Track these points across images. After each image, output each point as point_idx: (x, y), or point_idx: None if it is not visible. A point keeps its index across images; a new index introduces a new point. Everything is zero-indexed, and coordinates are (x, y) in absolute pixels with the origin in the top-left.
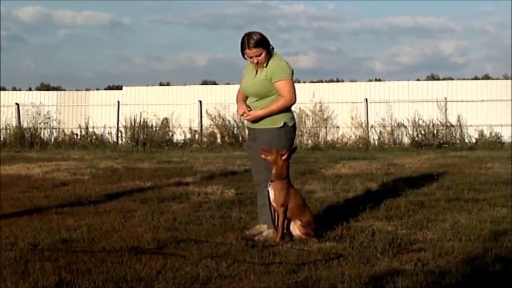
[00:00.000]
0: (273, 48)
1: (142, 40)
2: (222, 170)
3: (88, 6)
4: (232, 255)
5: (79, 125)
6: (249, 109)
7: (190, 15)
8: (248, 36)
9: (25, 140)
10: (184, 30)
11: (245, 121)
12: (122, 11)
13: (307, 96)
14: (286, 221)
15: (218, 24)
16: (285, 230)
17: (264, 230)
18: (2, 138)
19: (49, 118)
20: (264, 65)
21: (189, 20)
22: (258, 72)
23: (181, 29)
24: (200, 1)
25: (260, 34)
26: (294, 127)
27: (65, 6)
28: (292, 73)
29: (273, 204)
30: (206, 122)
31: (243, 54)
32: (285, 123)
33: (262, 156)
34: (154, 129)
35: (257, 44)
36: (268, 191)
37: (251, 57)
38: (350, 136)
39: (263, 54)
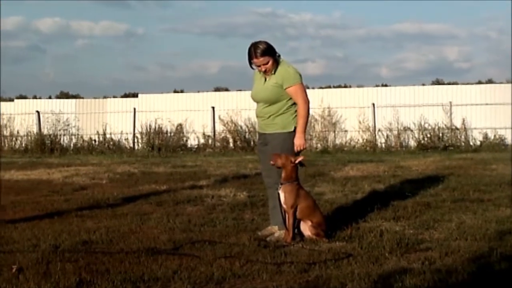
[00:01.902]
0: (279, 56)
1: (155, 49)
2: (235, 173)
3: (104, 17)
4: (245, 255)
5: (97, 132)
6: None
7: (201, 24)
8: (254, 46)
9: (45, 146)
10: (195, 38)
11: (257, 126)
12: (136, 22)
13: (316, 102)
14: (296, 222)
15: (228, 32)
16: (296, 231)
17: (276, 231)
18: (23, 145)
19: (68, 125)
20: (272, 72)
21: (200, 29)
22: (267, 79)
23: (193, 38)
24: (210, 11)
25: (266, 43)
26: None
27: (82, 17)
28: (301, 77)
29: (283, 205)
30: (219, 127)
31: (250, 64)
32: (295, 127)
33: (271, 162)
34: (169, 134)
35: (264, 53)
36: (278, 194)
37: (258, 66)
38: (358, 140)
39: (270, 62)
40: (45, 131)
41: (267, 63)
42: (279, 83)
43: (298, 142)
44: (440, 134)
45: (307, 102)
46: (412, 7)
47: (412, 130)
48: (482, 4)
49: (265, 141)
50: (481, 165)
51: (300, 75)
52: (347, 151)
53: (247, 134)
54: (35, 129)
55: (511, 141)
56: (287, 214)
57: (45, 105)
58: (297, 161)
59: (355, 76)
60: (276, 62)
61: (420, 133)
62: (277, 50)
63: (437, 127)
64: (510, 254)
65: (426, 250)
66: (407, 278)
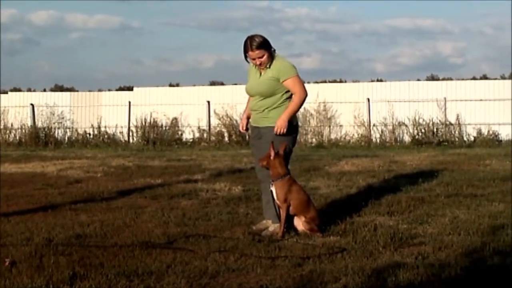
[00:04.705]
0: (274, 50)
1: (151, 42)
2: (230, 167)
3: (99, 10)
4: (240, 249)
5: (92, 125)
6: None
7: (197, 17)
8: (250, 38)
9: (40, 139)
10: (191, 32)
11: (250, 119)
12: (132, 15)
13: (312, 96)
14: (288, 217)
15: (224, 26)
16: (285, 225)
17: (270, 225)
18: (17, 138)
19: (63, 118)
20: (267, 66)
21: (196, 22)
22: (262, 73)
23: (189, 32)
24: (206, 4)
25: (262, 36)
26: (297, 125)
27: (77, 9)
28: (296, 70)
29: (277, 201)
30: (214, 121)
31: (245, 57)
32: (289, 121)
33: (260, 164)
34: (164, 128)
35: (260, 46)
36: (271, 190)
37: (253, 59)
38: (353, 135)
39: (266, 56)
40: (39, 124)
41: (262, 56)
42: (275, 76)
43: (279, 123)
44: (435, 130)
45: (304, 93)
46: (406, 2)
47: (406, 125)
48: (476, 0)
49: (259, 134)
50: (475, 161)
51: (296, 68)
52: (342, 146)
53: None
54: (29, 122)
55: (505, 137)
56: (280, 209)
57: (39, 98)
58: (272, 153)
59: (350, 71)
60: (271, 56)
61: (415, 128)
62: (273, 44)
63: (431, 122)
64: (503, 249)
65: (420, 244)
66: (400, 272)
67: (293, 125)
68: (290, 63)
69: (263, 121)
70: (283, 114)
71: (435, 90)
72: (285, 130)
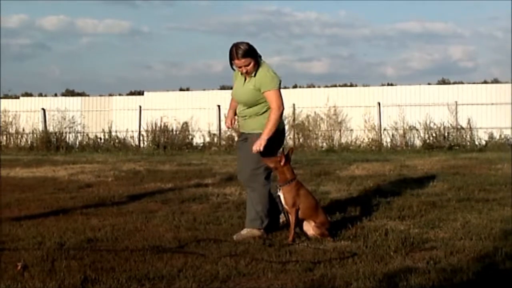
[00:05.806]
0: (260, 57)
1: (161, 47)
2: None
3: (108, 15)
4: (250, 254)
5: (103, 129)
6: (238, 118)
7: (206, 22)
8: (236, 46)
9: (51, 144)
10: (200, 37)
11: (237, 125)
12: (141, 19)
13: (322, 101)
14: (297, 222)
15: (233, 31)
16: (297, 230)
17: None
18: (29, 142)
19: (74, 122)
20: (253, 74)
21: (206, 27)
22: (247, 80)
23: (198, 36)
24: (215, 9)
25: (248, 44)
26: (283, 130)
27: (87, 14)
28: (280, 83)
29: (285, 206)
30: (225, 125)
31: (231, 65)
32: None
33: (266, 162)
34: (174, 132)
35: (246, 54)
36: (279, 195)
37: (240, 67)
38: (364, 139)
39: (252, 64)
40: (50, 129)
41: (248, 65)
42: (257, 86)
43: (259, 142)
44: (446, 134)
45: (280, 108)
46: (416, 5)
47: (417, 130)
48: (486, 3)
49: (245, 138)
50: (487, 165)
51: (279, 81)
52: (352, 150)
53: None
54: (40, 127)
55: None
56: (289, 214)
57: (50, 102)
58: (283, 160)
59: (361, 75)
60: (258, 64)
61: (426, 132)
62: (282, 49)
63: (442, 126)
64: None
65: (431, 249)
66: (412, 277)
67: (278, 130)
68: (274, 74)
69: (248, 127)
70: (263, 134)
71: (446, 94)
72: (261, 148)
